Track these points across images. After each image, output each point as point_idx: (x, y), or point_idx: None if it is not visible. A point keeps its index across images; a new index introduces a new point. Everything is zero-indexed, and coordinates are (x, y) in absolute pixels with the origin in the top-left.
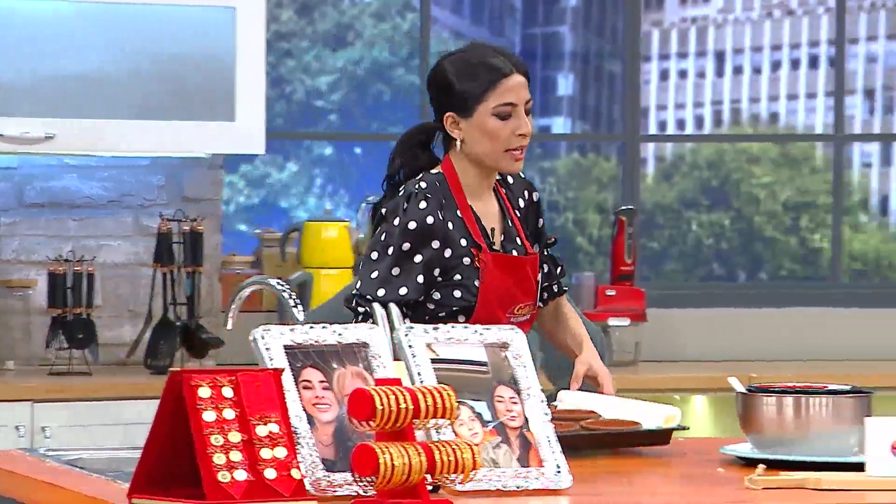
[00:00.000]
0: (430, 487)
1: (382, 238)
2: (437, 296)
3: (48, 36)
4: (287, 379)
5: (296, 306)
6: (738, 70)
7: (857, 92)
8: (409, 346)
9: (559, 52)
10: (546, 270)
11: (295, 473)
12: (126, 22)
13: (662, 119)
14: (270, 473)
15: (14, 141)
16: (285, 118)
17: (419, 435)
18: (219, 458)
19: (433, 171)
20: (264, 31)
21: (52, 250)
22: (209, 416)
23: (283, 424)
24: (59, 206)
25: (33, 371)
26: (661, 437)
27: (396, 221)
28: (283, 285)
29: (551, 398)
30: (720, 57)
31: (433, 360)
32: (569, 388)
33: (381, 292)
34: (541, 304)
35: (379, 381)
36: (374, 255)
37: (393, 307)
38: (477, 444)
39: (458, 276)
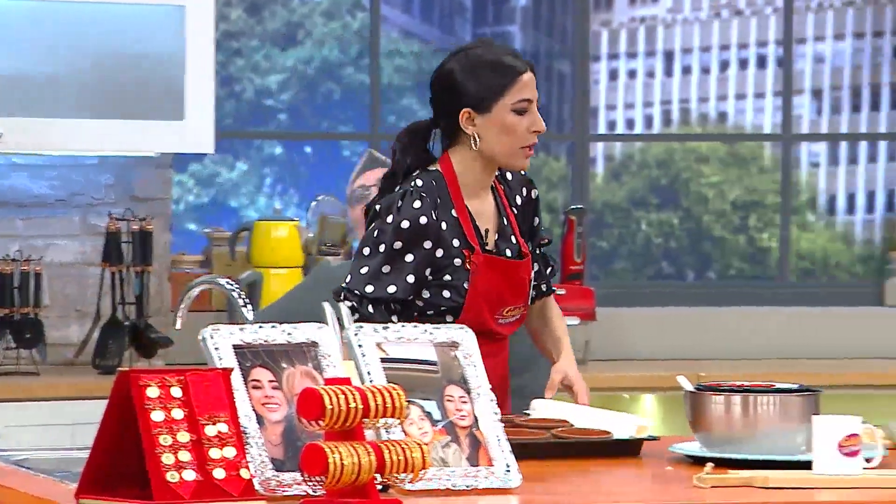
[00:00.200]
0: (379, 487)
1: (375, 235)
2: (426, 294)
3: None
4: (236, 378)
5: (245, 306)
6: (686, 70)
7: (805, 92)
8: (359, 346)
9: None
10: (536, 269)
11: (244, 473)
12: (75, 21)
13: (612, 119)
14: (219, 473)
15: None
16: (235, 117)
17: (369, 434)
18: (167, 458)
19: (430, 168)
20: (213, 30)
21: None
22: (157, 415)
23: (232, 424)
24: (7, 206)
25: None
26: (631, 446)
27: (390, 219)
28: (232, 285)
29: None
30: (669, 57)
31: (383, 360)
32: (543, 397)
33: (369, 289)
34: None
35: (328, 381)
36: (366, 252)
37: (342, 306)
38: (426, 444)
39: (447, 277)
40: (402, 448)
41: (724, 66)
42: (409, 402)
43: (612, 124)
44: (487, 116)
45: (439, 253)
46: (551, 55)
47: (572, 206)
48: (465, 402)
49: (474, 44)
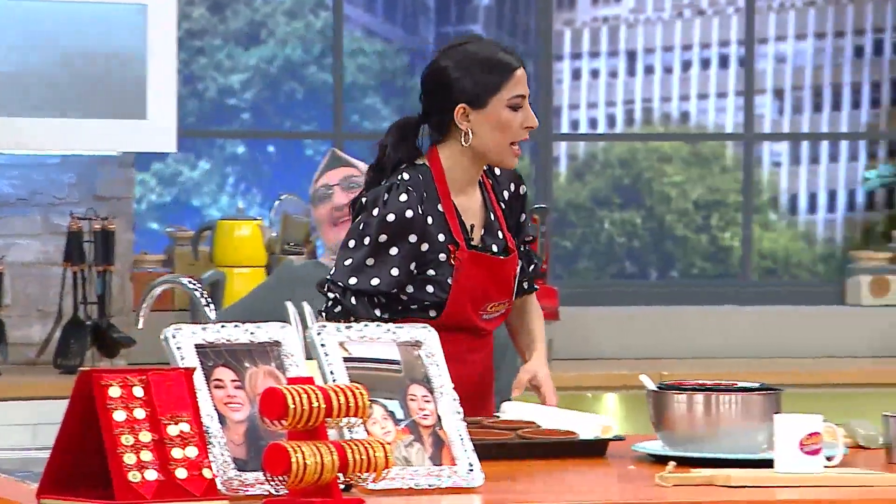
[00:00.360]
0: (342, 486)
1: (360, 228)
2: (409, 289)
3: None
4: (198, 378)
5: (208, 305)
6: (649, 69)
7: (767, 92)
8: (322, 345)
9: None
10: (520, 266)
11: (206, 473)
12: (37, 19)
13: (575, 118)
14: (181, 473)
15: None
16: (197, 116)
17: (332, 434)
18: (129, 458)
19: (417, 162)
20: (176, 28)
21: None
22: (119, 415)
23: (195, 424)
24: None
25: None
26: (596, 447)
27: (376, 212)
28: (194, 284)
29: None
30: (632, 56)
31: (346, 359)
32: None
33: (352, 281)
34: None
35: (291, 380)
36: (352, 244)
37: (305, 305)
38: (389, 443)
39: (432, 272)
40: (365, 447)
41: (686, 65)
42: (371, 401)
43: (575, 124)
44: (483, 112)
45: (424, 247)
46: None
47: (535, 206)
48: (428, 402)
49: (466, 39)
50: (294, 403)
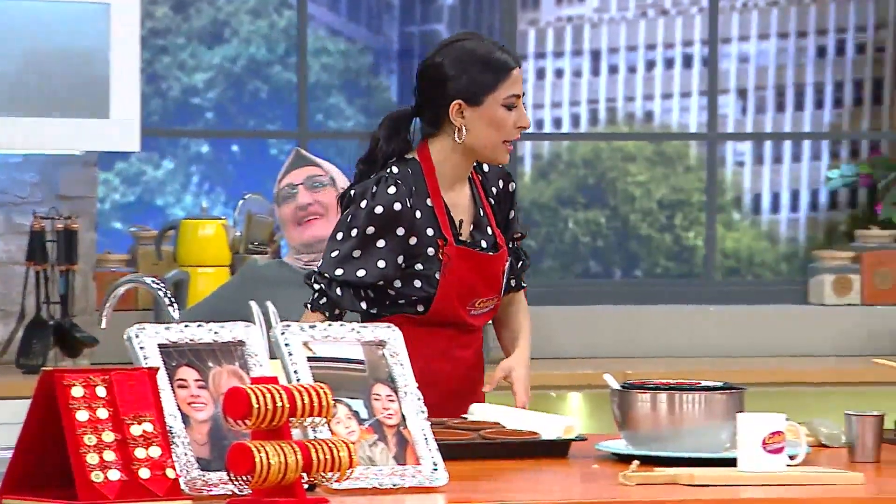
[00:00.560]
0: (306, 486)
1: (348, 220)
2: (397, 284)
3: None
4: (162, 378)
5: (171, 305)
6: (613, 69)
7: (730, 91)
8: (286, 345)
9: None
10: (508, 263)
11: (169, 473)
12: None
13: (539, 117)
14: (145, 473)
15: None
16: (161, 115)
17: (295, 433)
18: (92, 458)
19: (407, 156)
20: (139, 27)
21: None
22: (82, 415)
23: (158, 424)
24: None
25: None
26: (559, 447)
27: (364, 204)
28: (158, 284)
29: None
30: (596, 56)
31: (310, 359)
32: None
33: (338, 272)
34: None
35: (255, 380)
36: (339, 236)
37: (269, 304)
38: (353, 443)
39: (419, 266)
40: (329, 447)
41: (650, 65)
42: (335, 400)
43: (539, 123)
44: (478, 109)
45: (412, 241)
46: None
47: None
48: (392, 401)
49: (464, 36)
50: (258, 403)
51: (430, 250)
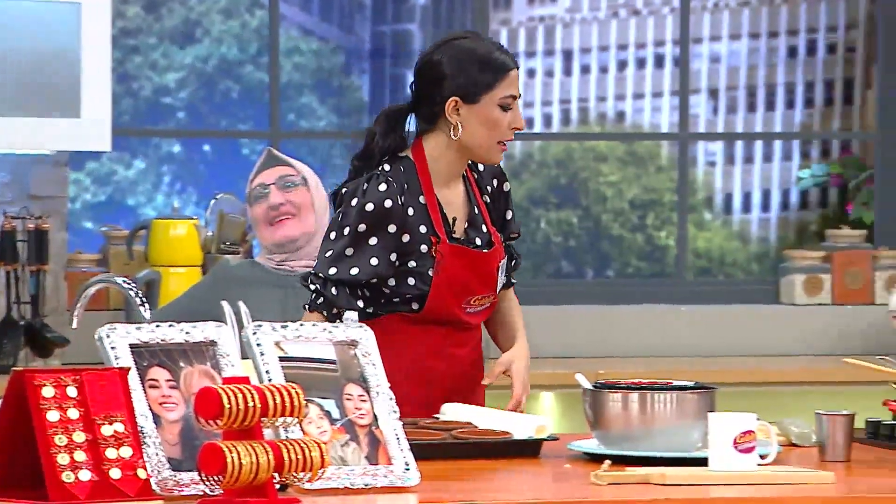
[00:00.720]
0: (278, 486)
1: (340, 218)
2: (391, 282)
3: None
4: (133, 378)
5: (142, 305)
6: (585, 69)
7: (702, 91)
8: (258, 345)
9: (409, 51)
10: (504, 261)
11: (141, 473)
12: None
13: None
14: (116, 473)
15: None
16: (132, 115)
17: (267, 433)
18: (63, 459)
19: (401, 154)
20: (110, 26)
21: None
22: (53, 415)
23: (129, 424)
24: None
25: None
26: (531, 446)
27: (354, 202)
28: (129, 284)
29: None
30: (568, 56)
31: (281, 358)
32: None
33: (332, 271)
34: None
35: (226, 380)
36: (332, 236)
37: (241, 304)
38: (325, 443)
39: (413, 263)
40: (301, 447)
41: (621, 65)
42: (307, 400)
43: None
44: (473, 108)
45: (405, 238)
46: None
47: None
48: (364, 401)
49: (463, 34)
50: (229, 403)
51: (423, 247)
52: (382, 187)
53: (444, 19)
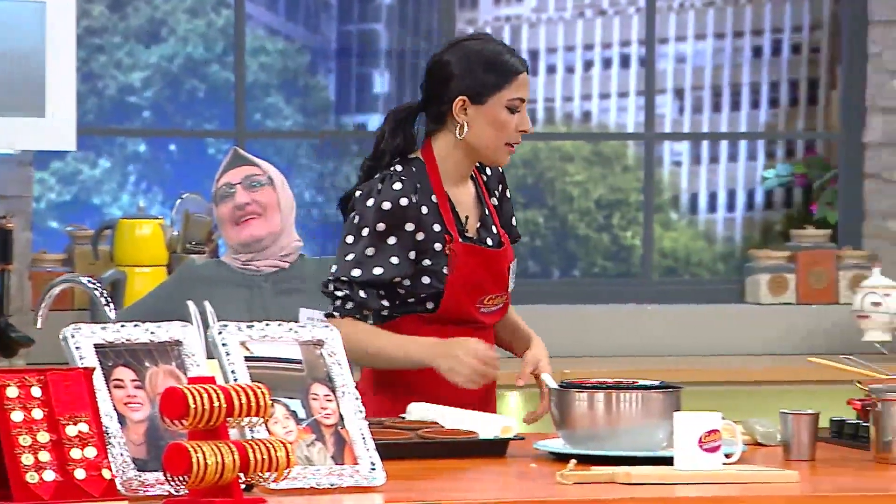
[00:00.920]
0: (243, 486)
1: (356, 221)
2: (406, 281)
3: None
4: (98, 378)
5: (107, 304)
6: (551, 69)
7: (667, 91)
8: (223, 344)
9: (375, 50)
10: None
11: (105, 473)
12: None
13: None
14: (80, 474)
15: None
16: (97, 114)
17: (233, 433)
18: (27, 459)
19: (411, 155)
20: (74, 25)
21: None
22: (17, 416)
23: (94, 424)
24: None
25: None
26: (497, 446)
27: (370, 203)
28: (94, 284)
29: None
30: (534, 56)
31: (247, 358)
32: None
33: (356, 272)
34: None
35: (192, 380)
36: (350, 239)
37: (207, 304)
38: (291, 443)
39: (427, 262)
40: (267, 447)
41: (587, 65)
42: (273, 400)
43: None
44: (481, 108)
45: (420, 236)
46: (417, 54)
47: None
48: (330, 401)
49: (474, 36)
50: (195, 403)
51: (437, 246)
52: (397, 186)
53: (411, 19)
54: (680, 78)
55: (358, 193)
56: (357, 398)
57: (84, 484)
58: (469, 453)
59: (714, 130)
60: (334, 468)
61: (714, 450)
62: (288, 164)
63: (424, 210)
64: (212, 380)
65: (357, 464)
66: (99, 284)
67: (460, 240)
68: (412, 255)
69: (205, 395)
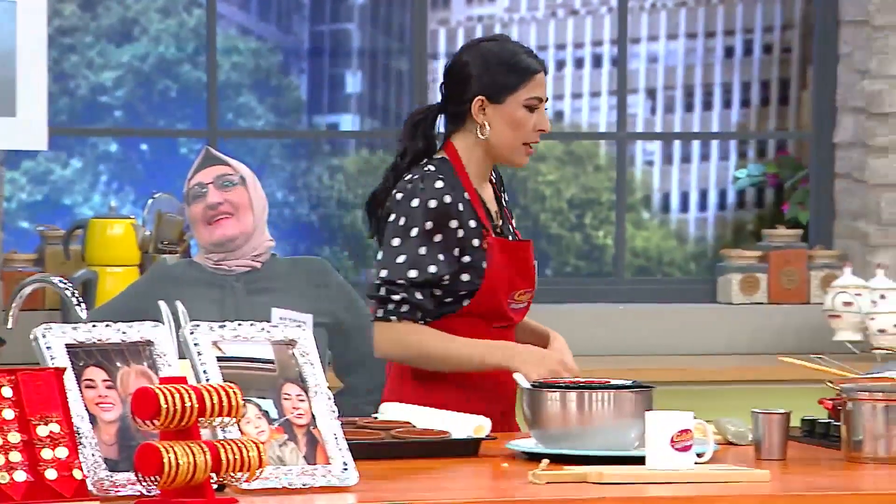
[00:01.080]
0: (215, 486)
1: (402, 222)
2: (446, 279)
3: None
4: (69, 378)
5: (79, 304)
6: None
7: (640, 91)
8: (195, 344)
9: (347, 50)
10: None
11: (76, 474)
12: None
13: None
14: (51, 474)
15: None
16: (69, 114)
17: (205, 433)
18: None
19: (436, 156)
20: (46, 25)
21: None
22: None
23: (65, 424)
24: None
25: None
26: (469, 446)
27: (415, 203)
28: (65, 283)
29: (339, 394)
30: None
31: (219, 358)
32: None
33: (413, 273)
34: None
35: (163, 380)
36: (396, 242)
37: (179, 304)
38: (263, 443)
39: (467, 258)
40: (239, 447)
41: (560, 65)
42: (245, 400)
43: None
44: (499, 108)
45: (461, 233)
46: (389, 53)
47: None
48: (302, 401)
49: (492, 37)
50: (166, 403)
51: (476, 241)
52: (439, 184)
53: (383, 19)
54: (652, 78)
55: (399, 196)
56: (329, 398)
57: (55, 484)
58: (442, 453)
59: (686, 130)
60: (307, 468)
61: (686, 449)
62: (260, 164)
63: (461, 207)
64: (183, 380)
65: (329, 464)
66: (70, 284)
67: (493, 234)
68: (456, 251)
69: (176, 396)
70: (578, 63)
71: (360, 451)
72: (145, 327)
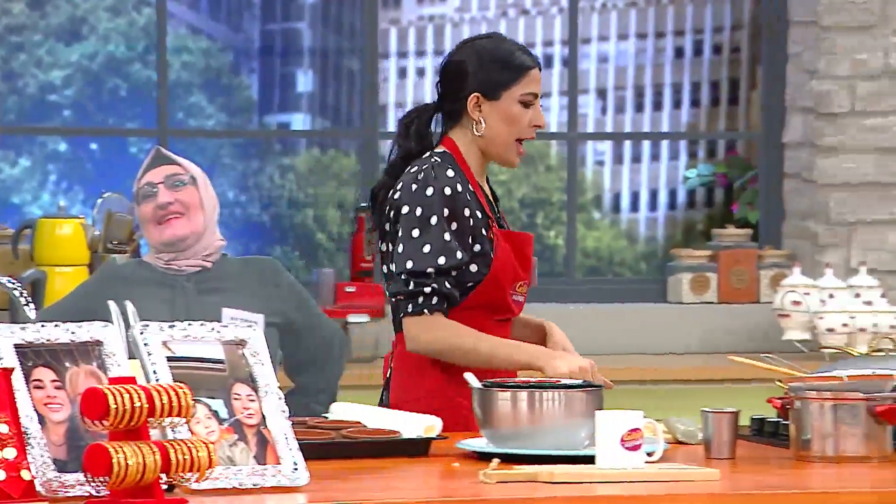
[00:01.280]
0: (165, 486)
1: (420, 212)
2: (454, 270)
3: None
4: (17, 378)
5: (27, 304)
6: None
7: (590, 91)
8: (145, 344)
9: (298, 49)
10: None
11: (25, 474)
12: None
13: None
14: None
15: None
16: (17, 113)
17: (154, 434)
18: None
19: (437, 150)
20: None
21: None
22: None
23: (13, 425)
24: None
25: None
26: (420, 446)
27: (430, 192)
28: (13, 283)
29: (289, 394)
30: None
31: (169, 358)
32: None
33: (441, 260)
34: None
35: (113, 380)
36: (416, 233)
37: (128, 304)
38: (213, 443)
39: (477, 247)
40: (188, 447)
41: None
42: (195, 400)
43: None
44: (495, 104)
45: (471, 221)
46: (340, 53)
47: (363, 204)
48: (252, 401)
49: (486, 35)
50: (115, 403)
51: (483, 231)
52: (450, 173)
53: (334, 18)
54: (602, 78)
55: (414, 186)
56: (280, 398)
57: (3, 485)
58: (392, 453)
59: (636, 130)
60: (257, 468)
61: (636, 448)
62: (211, 164)
63: (469, 196)
64: (133, 380)
65: (280, 464)
66: (19, 284)
67: (497, 225)
68: (469, 240)
69: (126, 396)
70: None
71: (311, 451)
72: (95, 327)
